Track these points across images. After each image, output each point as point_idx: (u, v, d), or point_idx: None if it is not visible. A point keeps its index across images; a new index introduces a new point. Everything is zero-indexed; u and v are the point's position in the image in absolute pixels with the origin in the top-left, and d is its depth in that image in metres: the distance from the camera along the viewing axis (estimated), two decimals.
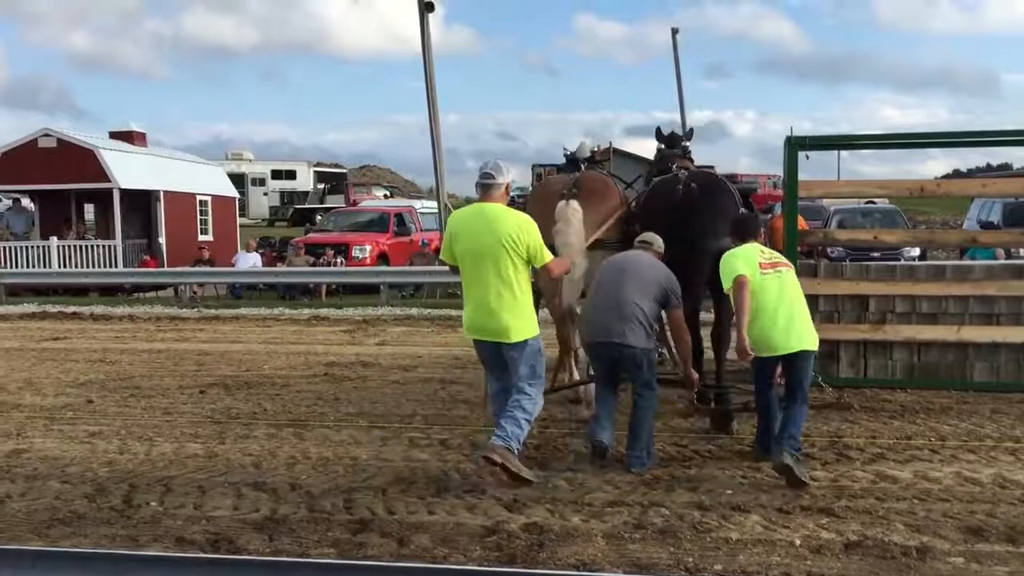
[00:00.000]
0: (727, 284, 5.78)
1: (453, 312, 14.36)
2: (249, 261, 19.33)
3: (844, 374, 8.13)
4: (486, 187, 5.62)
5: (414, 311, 14.92)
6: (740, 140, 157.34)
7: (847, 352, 8.16)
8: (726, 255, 5.94)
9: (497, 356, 5.58)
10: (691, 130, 8.76)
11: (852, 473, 5.62)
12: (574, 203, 6.94)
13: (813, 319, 6.13)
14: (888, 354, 8.12)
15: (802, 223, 10.25)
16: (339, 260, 18.88)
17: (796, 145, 8.22)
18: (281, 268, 19.15)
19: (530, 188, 8.39)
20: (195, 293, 18.40)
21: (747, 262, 5.76)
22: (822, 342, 7.89)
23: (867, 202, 22.21)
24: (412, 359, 9.90)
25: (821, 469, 5.70)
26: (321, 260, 18.78)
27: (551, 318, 7.46)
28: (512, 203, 6.17)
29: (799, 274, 6.29)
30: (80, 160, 19.44)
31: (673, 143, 8.18)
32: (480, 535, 4.63)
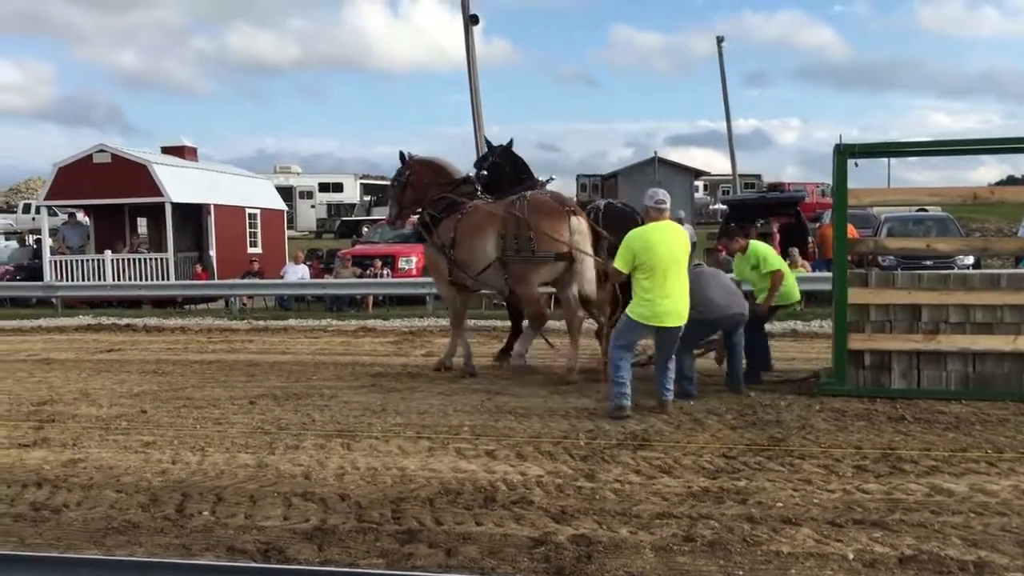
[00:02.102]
0: (775, 267, 8.68)
1: (499, 323, 14.39)
2: (297, 273, 19.60)
3: (897, 385, 7.99)
4: (661, 210, 7.55)
5: None
6: (784, 148, 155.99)
7: (900, 363, 8.03)
8: (766, 249, 8.86)
9: (668, 334, 7.50)
10: (511, 140, 10.41)
11: (906, 486, 5.51)
12: (583, 218, 8.64)
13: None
14: (942, 364, 7.96)
15: (852, 231, 10.12)
16: (386, 271, 19.04)
17: (845, 153, 8.12)
18: (328, 280, 19.37)
19: (528, 198, 9.25)
20: (245, 305, 18.69)
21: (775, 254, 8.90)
22: (873, 352, 7.91)
23: (919, 210, 21.84)
24: (458, 370, 9.92)
25: (874, 482, 5.60)
26: (368, 271, 18.96)
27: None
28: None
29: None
30: (133, 175, 19.85)
31: (506, 156, 10.04)
32: (528, 547, 4.62)
